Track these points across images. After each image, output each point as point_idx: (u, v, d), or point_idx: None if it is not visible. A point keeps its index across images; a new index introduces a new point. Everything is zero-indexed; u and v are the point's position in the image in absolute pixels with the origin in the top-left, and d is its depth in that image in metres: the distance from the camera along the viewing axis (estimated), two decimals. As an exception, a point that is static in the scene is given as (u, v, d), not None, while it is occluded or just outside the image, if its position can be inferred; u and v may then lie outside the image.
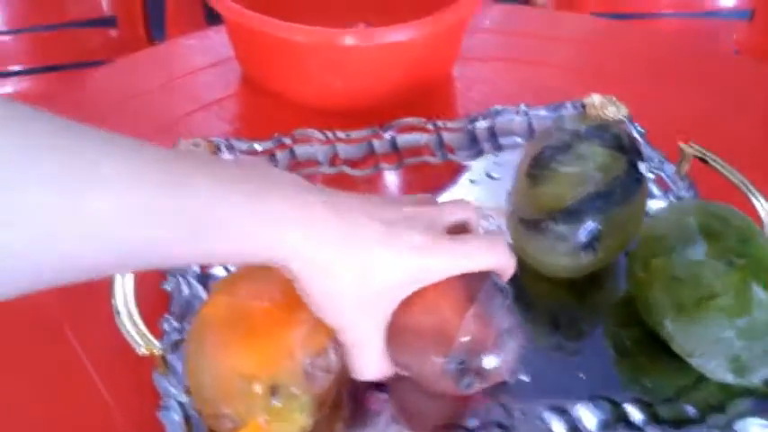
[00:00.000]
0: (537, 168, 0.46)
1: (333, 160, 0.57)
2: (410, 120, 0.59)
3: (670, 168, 0.57)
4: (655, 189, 0.56)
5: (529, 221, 0.45)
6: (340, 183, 0.56)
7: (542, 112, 0.62)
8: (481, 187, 0.57)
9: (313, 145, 0.57)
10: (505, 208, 0.49)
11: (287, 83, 0.62)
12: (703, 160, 0.53)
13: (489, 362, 0.37)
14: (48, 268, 0.28)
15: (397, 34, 0.55)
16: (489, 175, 0.58)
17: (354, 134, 0.58)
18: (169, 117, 0.63)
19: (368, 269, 0.35)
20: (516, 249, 0.47)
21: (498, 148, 0.60)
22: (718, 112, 0.68)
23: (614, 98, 0.62)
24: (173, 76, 0.68)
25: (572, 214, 0.44)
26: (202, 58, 0.70)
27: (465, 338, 0.36)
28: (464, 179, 0.58)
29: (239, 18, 0.57)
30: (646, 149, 0.58)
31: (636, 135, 0.60)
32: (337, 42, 0.55)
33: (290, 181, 0.35)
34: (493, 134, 0.60)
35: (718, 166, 0.52)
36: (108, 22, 1.12)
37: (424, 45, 0.59)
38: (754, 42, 1.23)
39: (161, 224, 0.29)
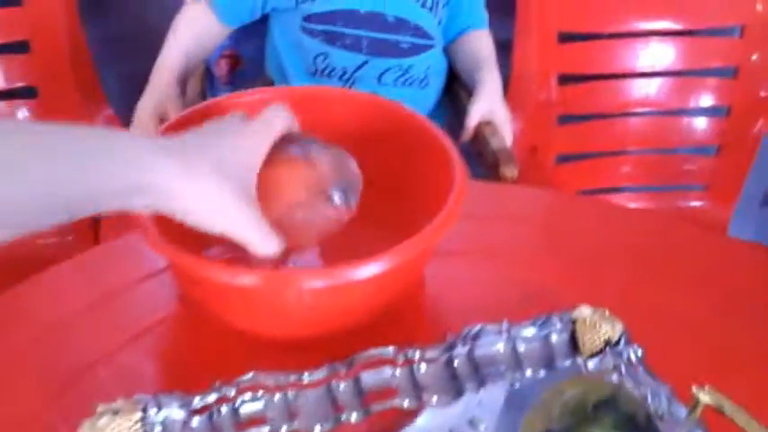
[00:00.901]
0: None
1: (288, 416, 0.48)
2: (376, 351, 0.51)
3: (680, 411, 0.49)
4: (664, 437, 0.48)
5: None
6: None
7: (527, 331, 0.54)
8: (463, 441, 0.48)
9: (261, 396, 0.48)
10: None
11: (232, 317, 0.53)
12: (720, 411, 0.46)
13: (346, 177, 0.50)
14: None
15: (363, 270, 0.47)
16: (471, 423, 0.49)
17: (311, 376, 0.49)
18: (89, 354, 0.52)
19: (221, 163, 0.44)
20: None
21: (481, 382, 0.51)
22: (725, 316, 0.61)
23: (607, 312, 0.55)
24: (98, 296, 0.57)
25: None
26: (132, 270, 0.59)
27: (330, 176, 0.50)
28: (441, 425, 0.49)
29: (182, 261, 0.48)
30: (649, 382, 0.50)
31: (633, 358, 0.53)
32: (294, 285, 0.46)
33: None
34: (475, 368, 0.52)
35: (738, 421, 0.45)
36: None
37: (396, 271, 0.51)
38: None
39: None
